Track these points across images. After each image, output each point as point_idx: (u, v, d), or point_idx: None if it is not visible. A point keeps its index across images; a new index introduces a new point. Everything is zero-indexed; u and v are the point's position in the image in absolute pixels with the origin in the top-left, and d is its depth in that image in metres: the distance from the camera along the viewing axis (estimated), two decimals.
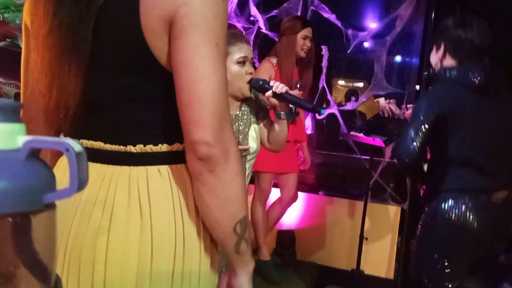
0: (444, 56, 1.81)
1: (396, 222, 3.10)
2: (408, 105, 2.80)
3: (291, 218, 3.20)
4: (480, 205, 1.65)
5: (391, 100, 2.91)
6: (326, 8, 3.34)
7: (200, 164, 0.71)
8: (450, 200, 1.66)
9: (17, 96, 3.27)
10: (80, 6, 0.70)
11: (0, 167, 0.39)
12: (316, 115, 3.10)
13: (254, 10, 3.44)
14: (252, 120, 1.64)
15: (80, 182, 0.41)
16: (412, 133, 1.63)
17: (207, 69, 0.68)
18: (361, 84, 5.48)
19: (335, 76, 5.02)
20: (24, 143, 0.41)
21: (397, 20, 3.18)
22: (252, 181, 2.80)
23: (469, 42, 1.74)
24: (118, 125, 0.76)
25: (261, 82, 1.54)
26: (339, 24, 3.30)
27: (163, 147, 0.76)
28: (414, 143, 1.62)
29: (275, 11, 3.43)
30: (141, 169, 0.76)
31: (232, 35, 1.56)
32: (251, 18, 3.44)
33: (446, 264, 1.67)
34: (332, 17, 3.32)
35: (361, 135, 2.82)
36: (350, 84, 5.82)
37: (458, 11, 3.11)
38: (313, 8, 3.37)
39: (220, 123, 0.69)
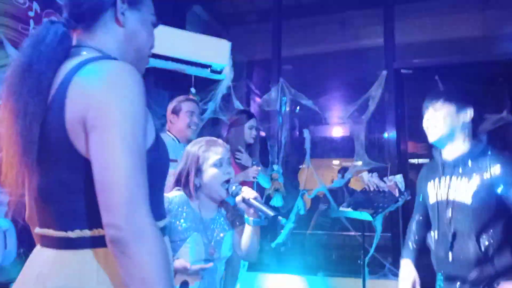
0: (469, 126, 1.71)
1: None
2: (389, 177, 2.91)
3: None
4: None
5: (373, 174, 3.02)
6: (303, 96, 3.62)
7: (111, 246, 0.78)
8: None
9: None
10: (26, 120, 0.85)
11: None
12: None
13: (237, 104, 3.72)
14: (227, 226, 1.66)
15: (7, 254, 0.51)
16: None
17: (114, 160, 0.78)
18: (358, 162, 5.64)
19: (323, 157, 5.19)
20: None
21: (370, 100, 3.43)
22: None
23: None
24: (60, 214, 0.87)
25: (233, 187, 1.60)
26: (317, 109, 3.54)
27: (98, 231, 0.84)
28: None
29: (257, 102, 3.71)
30: (79, 252, 0.84)
31: (207, 142, 1.67)
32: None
33: None
34: (309, 103, 3.58)
35: (349, 209, 2.88)
36: (349, 163, 5.98)
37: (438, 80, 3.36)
38: (291, 97, 3.65)
39: (130, 208, 0.77)
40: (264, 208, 1.54)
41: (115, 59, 0.90)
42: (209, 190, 1.61)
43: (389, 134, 3.43)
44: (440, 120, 1.69)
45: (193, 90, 3.49)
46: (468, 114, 1.69)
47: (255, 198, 1.56)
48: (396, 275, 3.12)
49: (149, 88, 3.50)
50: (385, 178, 3.00)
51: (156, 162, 0.91)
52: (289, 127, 3.62)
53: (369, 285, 2.87)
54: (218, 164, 1.60)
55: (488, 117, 3.28)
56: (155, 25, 1.03)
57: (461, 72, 3.49)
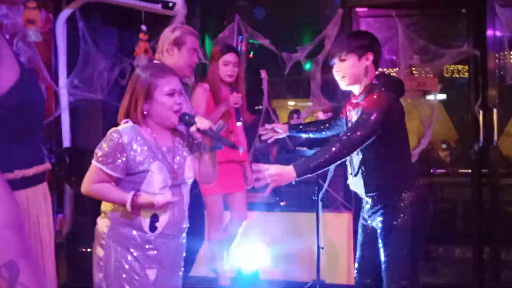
0: (371, 66, 1.91)
1: (350, 228, 3.22)
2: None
3: (250, 239, 3.24)
4: None
5: (329, 114, 3.09)
6: (260, 34, 3.53)
7: None
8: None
9: None
10: None
11: None
12: None
13: None
14: (185, 152, 1.69)
15: None
16: None
17: None
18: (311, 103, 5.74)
19: (280, 97, 5.22)
20: None
21: (326, 40, 3.42)
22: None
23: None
24: None
25: (187, 117, 1.60)
26: (274, 49, 3.49)
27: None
28: None
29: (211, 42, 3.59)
30: None
31: (160, 68, 1.63)
32: None
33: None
34: (266, 42, 3.51)
35: (304, 149, 2.96)
36: (303, 104, 6.07)
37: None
38: (247, 35, 3.55)
39: None
40: (219, 138, 1.61)
41: None
42: (159, 118, 1.59)
43: None
44: (347, 70, 1.89)
45: (143, 27, 3.30)
46: (369, 58, 1.89)
47: (209, 129, 1.58)
48: (347, 208, 3.32)
49: (96, 24, 3.27)
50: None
51: (21, 102, 0.87)
52: (246, 67, 3.56)
53: (322, 218, 3.05)
54: (170, 94, 1.58)
55: (448, 52, 3.31)
56: None
57: (420, 7, 3.48)
